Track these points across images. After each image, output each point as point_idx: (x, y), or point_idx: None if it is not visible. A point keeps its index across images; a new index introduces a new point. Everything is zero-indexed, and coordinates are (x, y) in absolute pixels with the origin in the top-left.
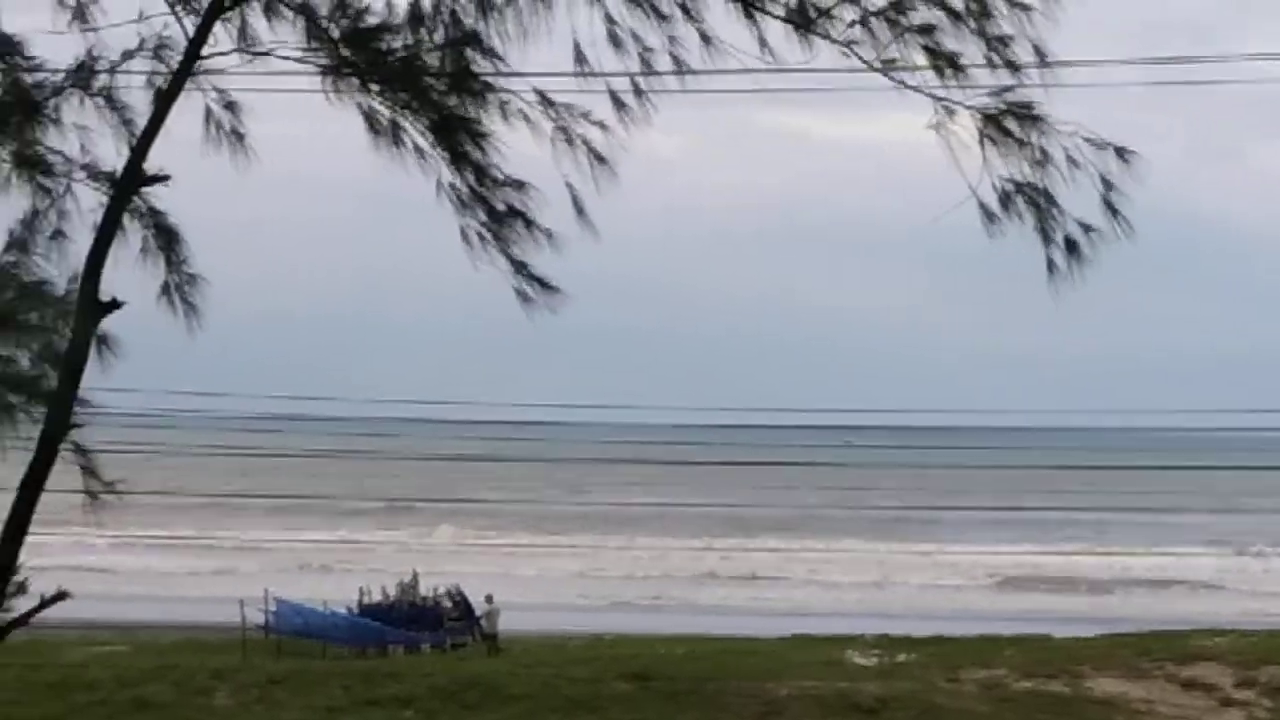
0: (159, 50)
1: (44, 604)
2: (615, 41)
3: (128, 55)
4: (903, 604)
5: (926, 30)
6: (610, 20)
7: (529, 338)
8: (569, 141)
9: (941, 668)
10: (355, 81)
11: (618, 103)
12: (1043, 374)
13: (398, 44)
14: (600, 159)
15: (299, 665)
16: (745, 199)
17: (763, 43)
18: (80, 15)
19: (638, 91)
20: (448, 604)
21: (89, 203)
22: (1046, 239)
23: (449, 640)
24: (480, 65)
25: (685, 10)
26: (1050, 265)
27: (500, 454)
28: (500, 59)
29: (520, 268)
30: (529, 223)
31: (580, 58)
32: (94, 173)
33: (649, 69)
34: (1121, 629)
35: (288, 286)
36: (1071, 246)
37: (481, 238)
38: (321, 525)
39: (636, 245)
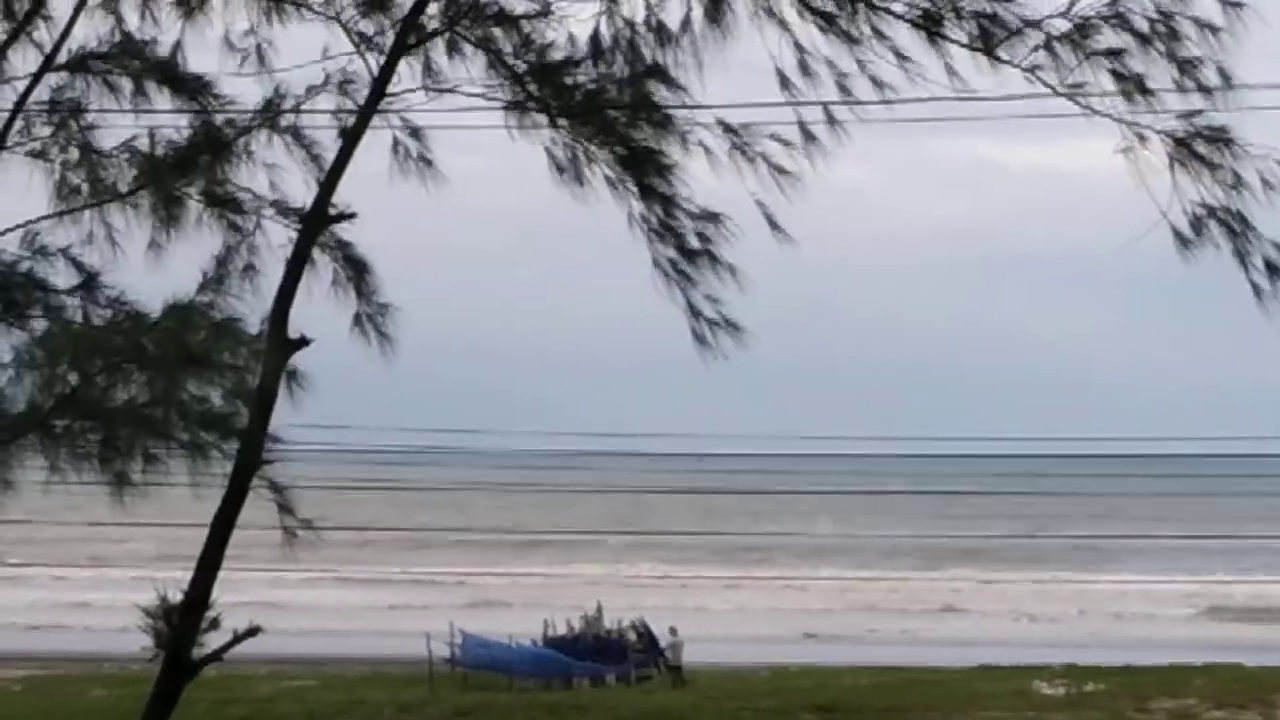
0: (344, 85)
1: (237, 639)
2: (805, 70)
3: (313, 91)
4: (1090, 634)
5: (1114, 54)
6: (800, 49)
7: (720, 371)
8: (749, 160)
9: (1131, 697)
10: (541, 117)
11: (807, 134)
12: (1237, 401)
13: (582, 78)
14: (782, 170)
15: (485, 698)
16: (932, 227)
17: (950, 70)
18: (259, 59)
19: (831, 120)
20: (632, 636)
21: (279, 238)
22: (1243, 263)
23: (634, 672)
24: (663, 97)
25: (877, 32)
26: (1255, 289)
27: (686, 486)
28: (682, 89)
29: (697, 314)
30: (715, 260)
31: (784, 83)
32: (283, 209)
33: (845, 94)
34: None
35: (461, 317)
36: (1273, 269)
37: (667, 275)
38: (508, 559)
39: (827, 274)
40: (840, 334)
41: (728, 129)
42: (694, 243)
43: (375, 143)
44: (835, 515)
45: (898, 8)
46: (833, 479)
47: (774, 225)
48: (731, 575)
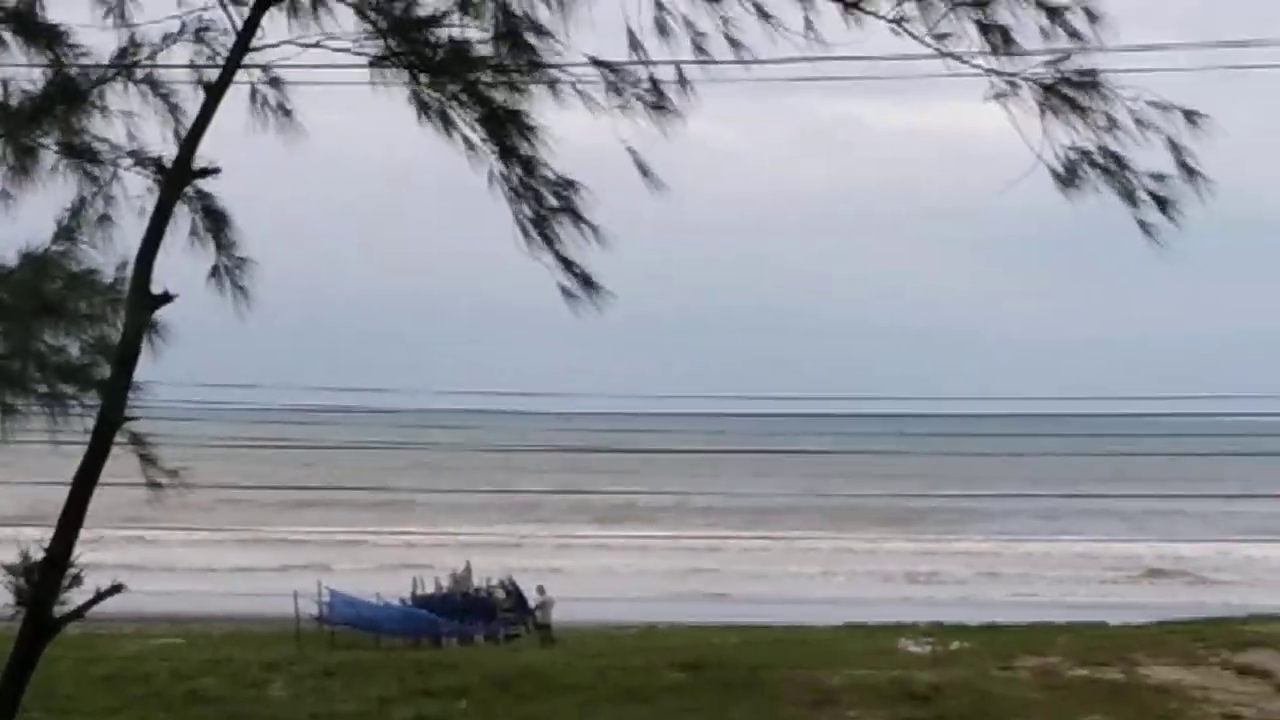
0: (200, 34)
1: (99, 596)
2: (662, 29)
3: (169, 39)
4: (960, 595)
5: (980, 4)
6: (660, 6)
7: (577, 326)
8: (622, 101)
9: (994, 655)
10: (404, 73)
11: (659, 92)
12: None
13: (446, 34)
14: (659, 107)
15: (353, 657)
16: (798, 186)
17: (808, 24)
18: (120, 10)
19: (682, 81)
20: (500, 595)
21: (136, 189)
22: (1131, 200)
23: (503, 631)
24: (532, 43)
25: None
26: (1143, 226)
27: (558, 444)
28: (551, 36)
29: (567, 265)
30: (578, 217)
31: (634, 44)
32: (141, 159)
33: (701, 55)
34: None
35: (338, 273)
36: (1160, 201)
37: (528, 233)
38: (377, 519)
39: (689, 232)
40: (710, 289)
41: (600, 64)
42: (554, 202)
43: (236, 97)
44: (707, 474)
45: None
46: (706, 438)
47: (645, 172)
48: (600, 535)
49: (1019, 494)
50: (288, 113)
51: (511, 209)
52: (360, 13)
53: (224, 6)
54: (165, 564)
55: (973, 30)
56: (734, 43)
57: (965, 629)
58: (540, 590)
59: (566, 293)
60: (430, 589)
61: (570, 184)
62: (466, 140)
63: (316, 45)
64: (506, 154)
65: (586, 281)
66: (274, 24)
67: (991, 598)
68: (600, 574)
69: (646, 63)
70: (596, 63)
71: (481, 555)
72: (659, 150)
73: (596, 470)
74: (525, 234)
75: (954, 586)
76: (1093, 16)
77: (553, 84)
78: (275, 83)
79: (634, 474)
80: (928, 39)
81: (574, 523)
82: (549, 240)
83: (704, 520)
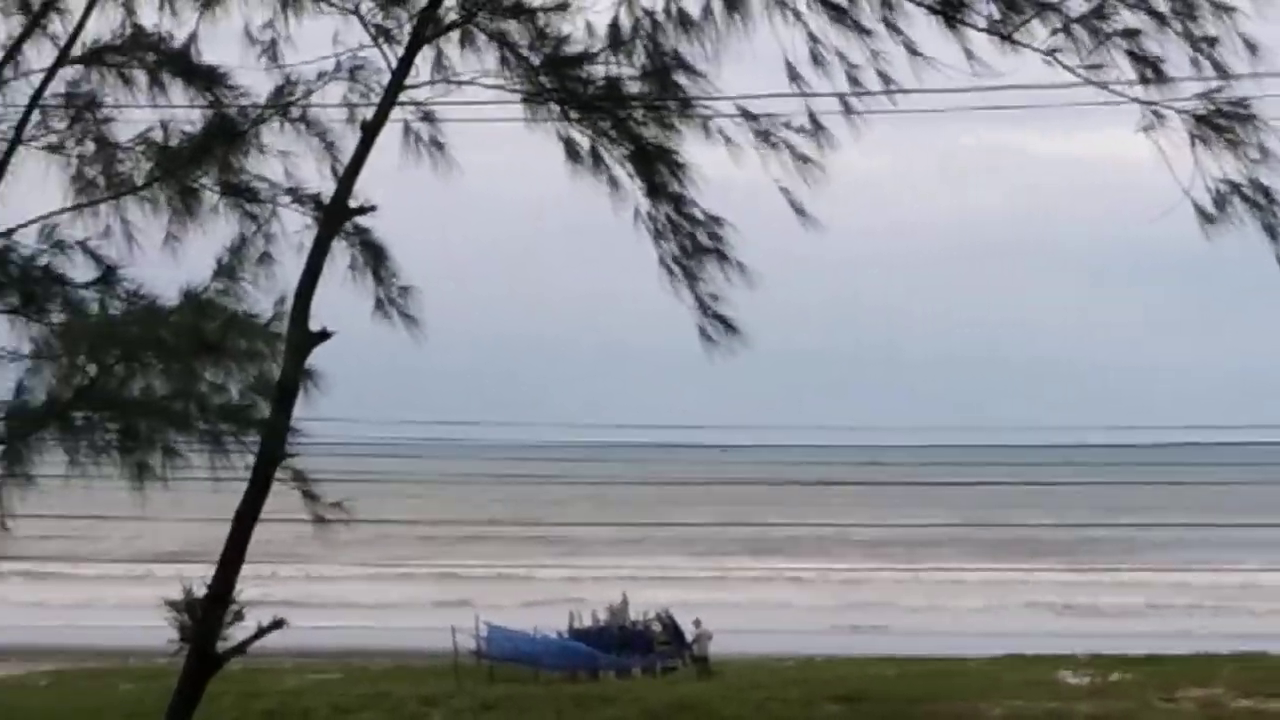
0: (354, 72)
1: (261, 632)
2: (817, 60)
3: (323, 76)
4: (1118, 624)
5: (1130, 35)
6: (813, 39)
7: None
8: (772, 146)
9: (1157, 686)
10: (555, 109)
11: (816, 124)
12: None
13: (597, 70)
14: (805, 159)
15: (511, 690)
16: (953, 218)
17: (969, 55)
18: (273, 52)
19: (847, 111)
20: (657, 627)
21: (294, 226)
22: (1272, 235)
23: (659, 664)
24: (682, 84)
25: (889, 25)
26: None
27: (715, 477)
28: (702, 76)
29: (706, 308)
30: (723, 257)
31: (794, 75)
32: (299, 196)
33: (857, 87)
34: None
35: (493, 311)
36: None
37: (672, 271)
38: (533, 552)
39: (844, 268)
40: (867, 324)
41: (749, 116)
42: (703, 240)
43: (387, 135)
44: (867, 506)
45: None
46: (862, 470)
47: (799, 211)
48: (759, 567)
49: (1179, 523)
50: (440, 146)
51: (656, 248)
52: (513, 51)
53: (378, 45)
54: (325, 599)
55: (1124, 61)
56: (885, 78)
57: (1126, 660)
58: (697, 623)
59: (704, 335)
60: (587, 622)
61: (718, 221)
62: (612, 178)
63: (470, 83)
64: (655, 191)
65: (726, 325)
66: (425, 62)
67: (1152, 628)
68: (757, 606)
69: (796, 95)
70: (746, 114)
71: (639, 589)
72: (809, 187)
73: (752, 502)
74: (670, 273)
75: (1113, 617)
76: (1251, 46)
77: (704, 122)
78: (428, 118)
79: (791, 506)
80: (1080, 70)
81: (731, 555)
82: (692, 280)
83: (862, 552)
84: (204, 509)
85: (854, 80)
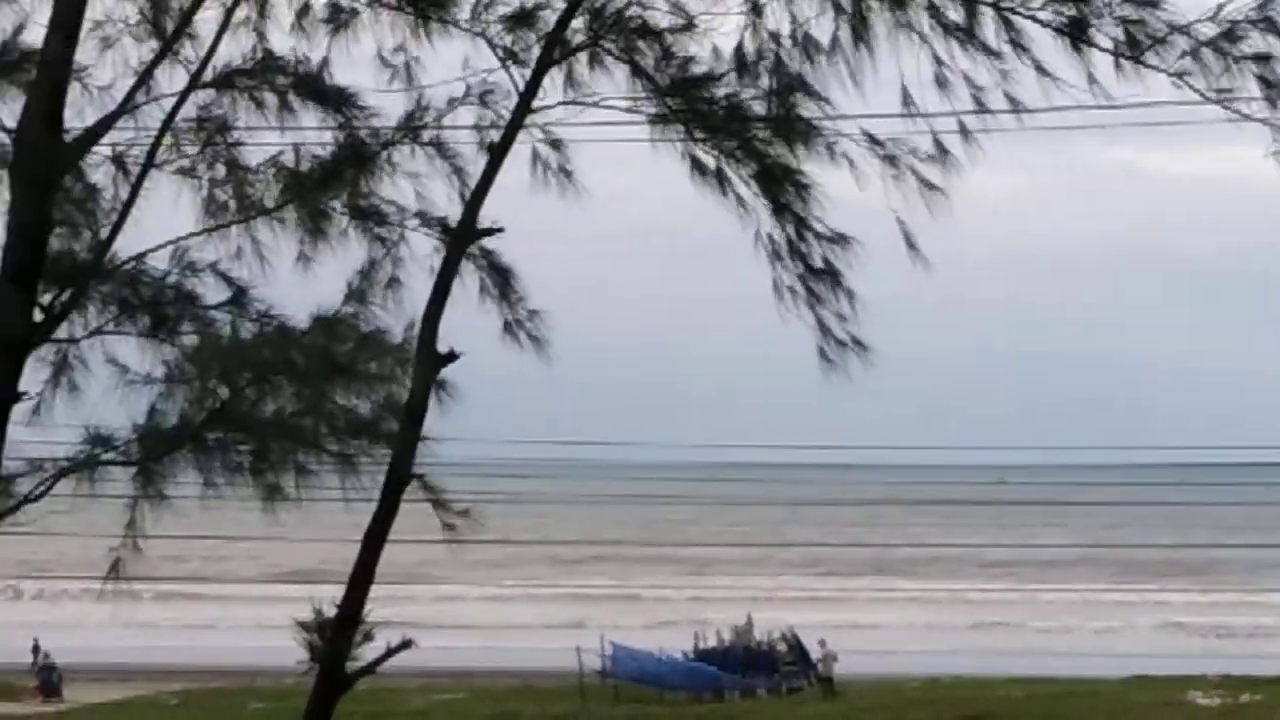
0: (484, 97)
1: (390, 652)
2: (941, 83)
3: (454, 102)
4: (1249, 646)
5: (1261, 59)
6: (938, 61)
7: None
8: (897, 174)
9: None
10: (680, 129)
11: (940, 147)
12: None
13: (723, 92)
14: (930, 185)
15: (637, 711)
16: (1066, 232)
17: (1091, 79)
18: (405, 75)
19: (964, 132)
20: (782, 647)
21: (422, 249)
22: None
23: (785, 684)
24: (806, 109)
25: (1016, 45)
26: None
27: (836, 497)
28: (826, 101)
29: (828, 330)
30: (838, 283)
31: (907, 99)
32: (427, 220)
33: (980, 108)
34: None
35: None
36: None
37: (793, 292)
38: (658, 572)
39: (968, 286)
40: (993, 341)
41: (874, 141)
42: (818, 263)
43: (515, 157)
44: (995, 526)
45: (1044, 15)
46: (988, 490)
47: (911, 245)
48: (884, 588)
49: None
50: (568, 174)
51: (772, 269)
52: (640, 72)
53: (506, 68)
54: (451, 619)
55: (1254, 85)
56: (1012, 100)
57: (1257, 681)
58: (822, 643)
59: (824, 356)
60: (712, 643)
61: (844, 239)
62: (739, 197)
63: (596, 104)
64: (779, 211)
65: (853, 343)
66: (551, 83)
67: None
68: (883, 626)
69: (932, 115)
70: (871, 139)
71: (764, 609)
72: (932, 214)
73: (878, 523)
74: (792, 294)
75: (1244, 638)
76: None
77: (829, 147)
78: (556, 145)
79: (917, 526)
80: (1209, 93)
81: (856, 575)
82: (813, 302)
83: (990, 572)
84: (330, 529)
85: (979, 101)
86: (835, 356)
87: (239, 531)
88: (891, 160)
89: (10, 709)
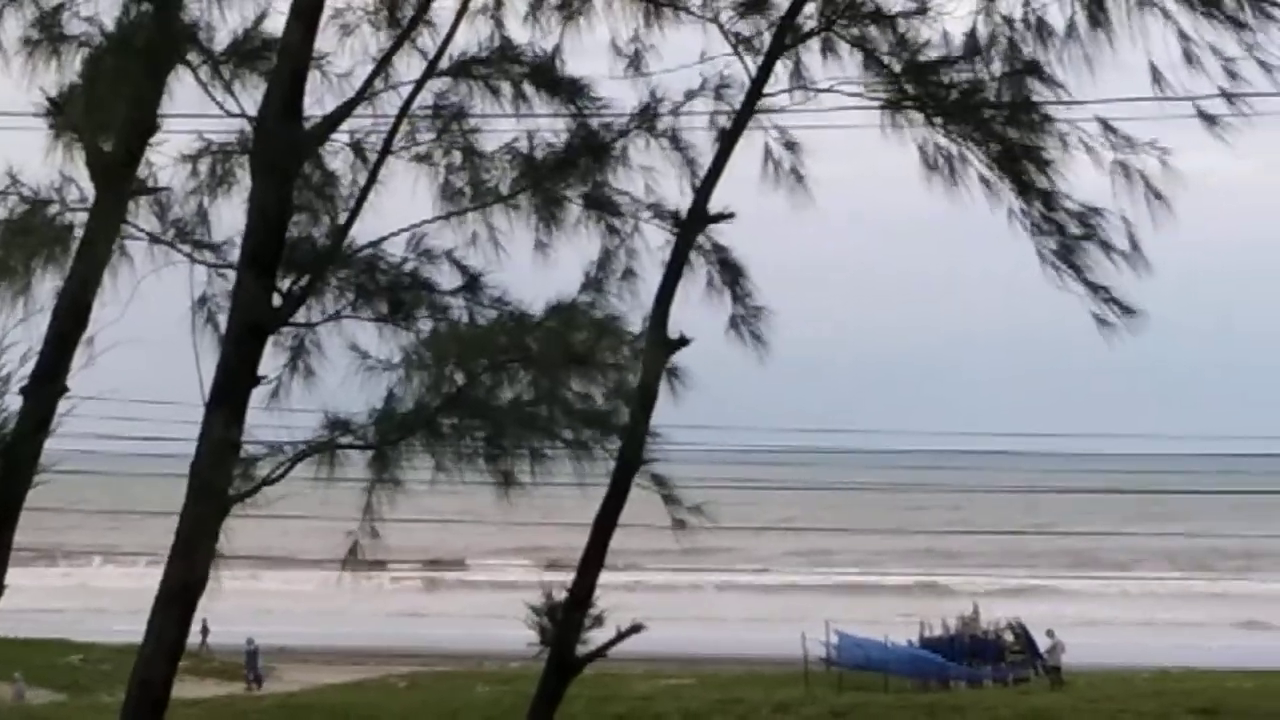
0: (720, 90)
1: (620, 636)
2: (1190, 59)
3: (690, 95)
4: None
5: None
6: (1184, 37)
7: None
8: (1126, 175)
9: None
10: (917, 115)
11: (1206, 118)
12: None
13: (959, 76)
14: (1157, 195)
15: (861, 699)
16: None
17: None
18: (636, 64)
19: (1228, 97)
20: (1009, 637)
21: (656, 241)
22: None
23: (1011, 674)
24: (1040, 94)
25: (1263, 14)
26: None
27: (1076, 486)
28: (1061, 87)
29: (1098, 291)
30: (1105, 245)
31: (1157, 78)
32: (659, 212)
33: (1235, 82)
34: None
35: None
36: None
37: (1055, 265)
38: (884, 562)
39: (1193, 276)
40: (1204, 332)
41: (1108, 129)
42: (1077, 231)
43: (750, 145)
44: (1224, 517)
45: None
46: (1234, 479)
47: (1135, 247)
48: (1113, 577)
49: None
50: (800, 178)
51: (1034, 243)
52: (873, 57)
53: (738, 54)
54: (679, 606)
55: None
56: (1266, 66)
57: None
58: (1050, 634)
59: (1100, 320)
60: (938, 632)
61: (1095, 211)
62: (983, 178)
63: (829, 90)
64: (1024, 190)
65: (1121, 307)
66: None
67: None
68: (1113, 618)
69: (1173, 99)
70: (1107, 127)
71: (992, 601)
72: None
73: (1111, 513)
74: (1054, 266)
75: None
76: None
77: (1061, 136)
78: (790, 146)
79: (1158, 517)
80: None
81: (1085, 567)
82: (1077, 269)
83: (1221, 564)
84: (566, 515)
85: (1231, 74)
86: (1113, 319)
87: (467, 515)
88: (1128, 143)
89: (231, 689)
